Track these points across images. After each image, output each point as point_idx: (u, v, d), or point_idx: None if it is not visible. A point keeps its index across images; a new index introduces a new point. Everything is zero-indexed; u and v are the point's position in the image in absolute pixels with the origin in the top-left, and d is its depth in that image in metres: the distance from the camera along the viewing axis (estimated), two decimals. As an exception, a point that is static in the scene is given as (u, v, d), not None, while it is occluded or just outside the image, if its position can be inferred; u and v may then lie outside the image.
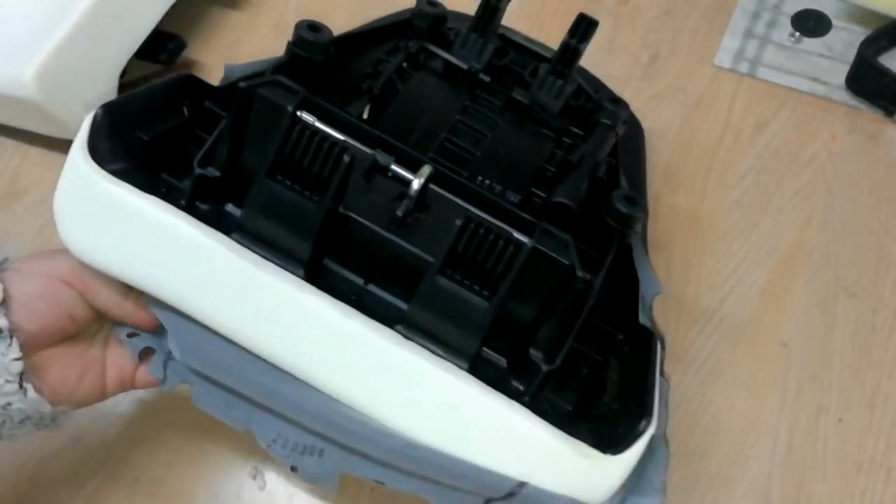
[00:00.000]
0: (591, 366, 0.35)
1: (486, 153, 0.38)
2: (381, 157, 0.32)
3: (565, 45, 0.40)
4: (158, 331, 0.35)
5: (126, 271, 0.32)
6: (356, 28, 0.45)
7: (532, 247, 0.31)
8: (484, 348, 0.32)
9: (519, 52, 0.45)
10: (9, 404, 0.31)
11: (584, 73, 0.48)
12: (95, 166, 0.31)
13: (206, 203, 0.34)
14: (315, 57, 0.36)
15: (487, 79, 0.41)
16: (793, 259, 0.48)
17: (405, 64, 0.41)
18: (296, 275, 0.31)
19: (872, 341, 0.45)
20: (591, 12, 0.40)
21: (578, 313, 0.32)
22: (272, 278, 0.31)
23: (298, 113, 0.32)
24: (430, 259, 0.32)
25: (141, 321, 0.35)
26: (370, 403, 0.31)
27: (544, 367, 0.31)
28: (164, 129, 0.35)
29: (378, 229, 0.33)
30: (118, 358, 0.36)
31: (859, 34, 0.55)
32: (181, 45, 0.55)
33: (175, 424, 0.43)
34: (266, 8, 0.61)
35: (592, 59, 0.43)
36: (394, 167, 0.33)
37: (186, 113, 0.36)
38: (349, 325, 0.30)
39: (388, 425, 0.31)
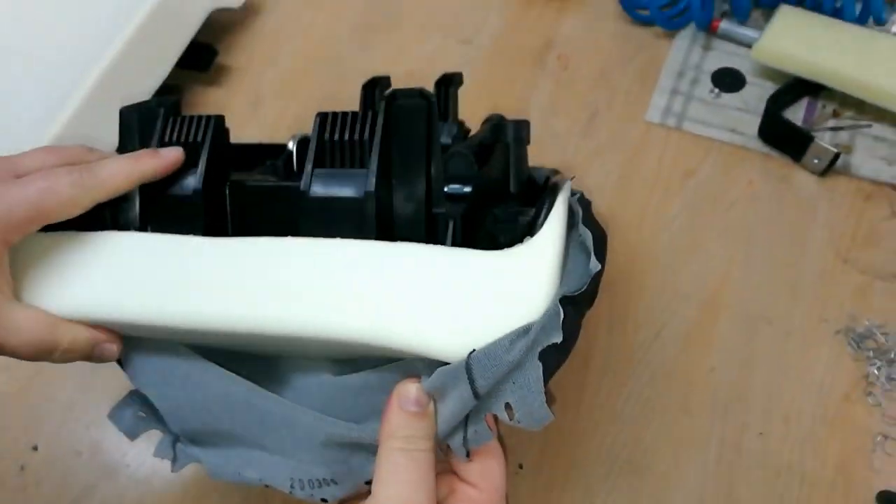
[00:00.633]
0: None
1: None
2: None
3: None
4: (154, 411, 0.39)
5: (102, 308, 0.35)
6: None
7: (389, 102, 0.34)
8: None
9: None
10: None
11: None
12: None
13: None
14: None
15: None
16: (718, 293, 0.55)
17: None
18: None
19: (786, 362, 0.51)
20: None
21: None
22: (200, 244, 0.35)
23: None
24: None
25: None
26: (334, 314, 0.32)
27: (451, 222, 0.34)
28: None
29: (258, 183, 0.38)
30: None
31: (769, 89, 0.62)
32: (214, 53, 0.66)
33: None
34: (242, 84, 0.67)
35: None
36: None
37: None
38: (281, 243, 0.34)
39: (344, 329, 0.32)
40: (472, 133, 0.47)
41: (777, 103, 0.60)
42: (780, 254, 0.56)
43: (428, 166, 0.35)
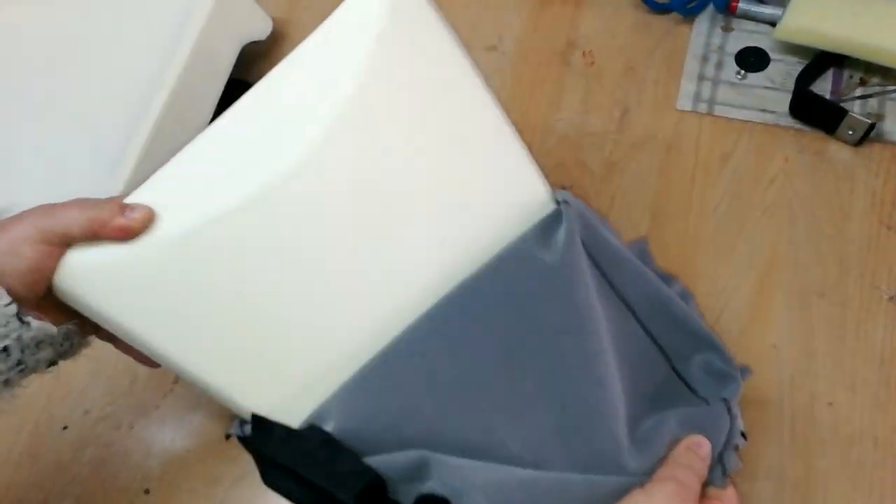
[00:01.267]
0: None
1: None
2: None
3: None
4: None
5: None
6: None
7: None
8: None
9: None
10: (19, 337, 0.35)
11: None
12: None
13: None
14: None
15: None
16: (769, 272, 0.57)
17: None
18: None
19: (844, 331, 0.54)
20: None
21: None
22: None
23: None
24: None
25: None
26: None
27: None
28: None
29: None
30: None
31: (794, 64, 0.64)
32: (248, 87, 0.66)
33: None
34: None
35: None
36: None
37: None
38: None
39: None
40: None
41: (804, 80, 0.61)
42: (824, 227, 0.58)
43: None
